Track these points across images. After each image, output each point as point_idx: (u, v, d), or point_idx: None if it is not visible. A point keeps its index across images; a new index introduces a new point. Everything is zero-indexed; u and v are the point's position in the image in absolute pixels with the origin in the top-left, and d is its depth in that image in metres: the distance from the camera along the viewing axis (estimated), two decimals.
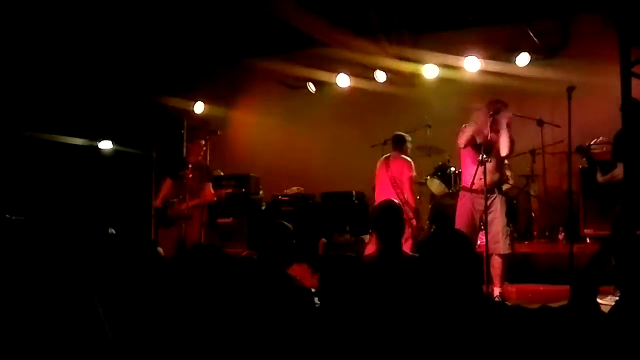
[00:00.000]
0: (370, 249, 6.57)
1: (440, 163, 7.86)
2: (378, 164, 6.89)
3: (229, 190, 7.11)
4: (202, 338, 3.13)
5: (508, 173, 7.02)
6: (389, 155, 6.90)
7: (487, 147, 5.55)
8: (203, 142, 6.84)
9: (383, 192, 6.71)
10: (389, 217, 3.58)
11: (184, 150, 7.27)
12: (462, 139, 5.82)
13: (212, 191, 6.85)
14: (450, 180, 7.72)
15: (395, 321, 3.09)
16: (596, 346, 2.71)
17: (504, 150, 5.64)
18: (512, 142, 5.70)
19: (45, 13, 7.04)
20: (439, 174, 7.79)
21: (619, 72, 4.83)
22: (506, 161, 6.40)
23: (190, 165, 6.70)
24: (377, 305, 3.17)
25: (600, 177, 5.79)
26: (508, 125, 5.65)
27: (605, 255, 5.19)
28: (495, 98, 5.78)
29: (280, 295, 3.23)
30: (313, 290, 5.09)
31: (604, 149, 6.79)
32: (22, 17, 6.99)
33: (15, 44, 7.28)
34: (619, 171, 5.49)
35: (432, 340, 2.92)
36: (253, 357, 2.99)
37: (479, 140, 5.68)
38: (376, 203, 6.63)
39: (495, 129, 5.63)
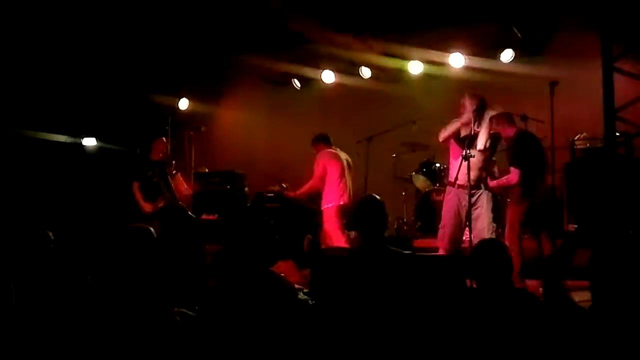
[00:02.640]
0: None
1: (425, 159, 7.88)
2: (332, 157, 7.02)
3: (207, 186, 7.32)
4: (187, 336, 3.11)
5: (495, 169, 7.04)
6: (337, 150, 7.12)
7: (471, 141, 5.59)
8: (164, 139, 6.94)
9: (345, 186, 6.97)
10: (373, 211, 3.56)
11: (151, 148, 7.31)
12: (443, 134, 5.86)
13: (185, 184, 6.93)
14: (435, 176, 7.74)
15: (380, 317, 3.09)
16: (576, 341, 2.73)
17: (479, 144, 5.69)
18: (492, 137, 5.76)
19: (28, 10, 6.96)
20: (424, 169, 7.81)
21: (601, 67, 4.89)
22: (494, 158, 6.45)
23: (156, 164, 6.83)
24: (363, 302, 3.17)
25: (489, 181, 5.86)
26: (491, 122, 5.71)
27: (570, 249, 5.25)
28: (480, 95, 5.83)
29: (263, 292, 3.21)
30: (298, 286, 5.10)
31: (587, 144, 6.83)
32: (4, 14, 6.92)
33: None
34: (512, 176, 5.59)
35: (420, 333, 2.92)
36: (238, 356, 2.98)
37: (463, 133, 5.72)
38: (342, 197, 6.93)
39: (479, 125, 5.68)
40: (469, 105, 5.69)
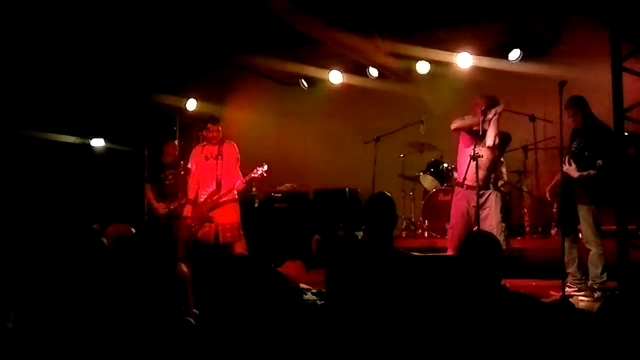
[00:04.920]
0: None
1: (433, 159, 7.88)
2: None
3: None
4: (193, 336, 3.12)
5: (503, 169, 7.03)
6: None
7: (479, 138, 5.60)
8: (176, 142, 6.99)
9: None
10: (385, 209, 3.53)
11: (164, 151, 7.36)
12: (457, 123, 5.86)
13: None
14: (443, 176, 7.73)
15: (388, 318, 3.09)
16: (587, 342, 2.71)
17: (488, 140, 5.67)
18: (500, 135, 5.72)
19: (35, 10, 6.99)
20: (432, 169, 7.81)
21: (610, 67, 4.87)
22: (502, 158, 6.44)
23: (168, 167, 6.88)
24: (371, 303, 3.17)
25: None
26: (497, 117, 5.69)
27: None
28: (488, 95, 5.82)
29: (269, 294, 3.21)
30: (306, 287, 5.10)
31: None
32: (12, 15, 6.95)
33: (5, 42, 7.23)
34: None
35: (428, 335, 2.92)
36: (243, 356, 2.99)
37: (475, 128, 5.74)
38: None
39: (489, 123, 5.69)
40: (479, 105, 5.70)
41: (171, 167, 7.09)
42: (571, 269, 5.61)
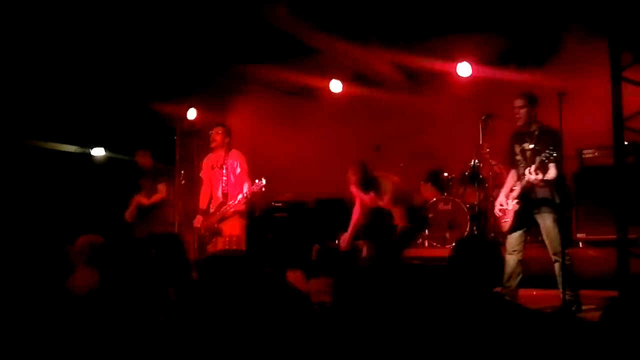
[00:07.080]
0: None
1: (433, 168, 7.89)
2: None
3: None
4: (198, 342, 3.11)
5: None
6: None
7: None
8: (149, 152, 7.09)
9: None
10: (378, 222, 3.56)
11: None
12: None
13: (165, 190, 7.05)
14: (443, 185, 7.75)
15: (394, 329, 3.09)
16: (587, 352, 2.71)
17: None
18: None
19: (37, 19, 7.02)
20: (432, 179, 7.83)
21: (610, 77, 4.90)
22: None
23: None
24: (377, 313, 3.16)
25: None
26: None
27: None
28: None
29: (276, 299, 3.21)
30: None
31: (595, 154, 6.82)
32: (13, 23, 6.98)
33: (6, 50, 7.26)
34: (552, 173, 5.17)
35: (433, 345, 2.92)
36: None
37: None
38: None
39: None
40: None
41: (145, 175, 7.26)
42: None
